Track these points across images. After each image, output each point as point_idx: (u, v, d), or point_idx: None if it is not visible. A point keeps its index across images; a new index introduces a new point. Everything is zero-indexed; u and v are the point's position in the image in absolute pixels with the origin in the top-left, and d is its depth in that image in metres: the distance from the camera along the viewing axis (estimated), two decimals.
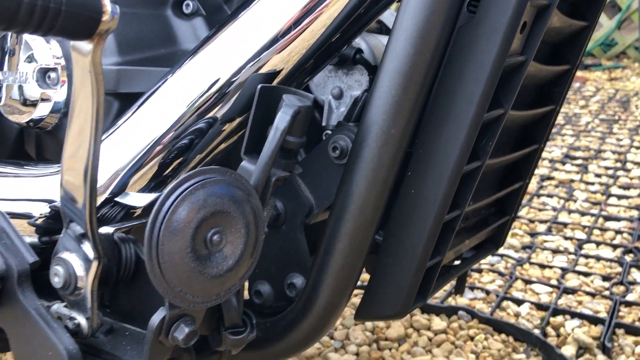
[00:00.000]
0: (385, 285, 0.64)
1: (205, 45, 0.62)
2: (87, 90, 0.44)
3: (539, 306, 1.41)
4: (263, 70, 0.60)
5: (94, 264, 0.52)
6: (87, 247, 0.53)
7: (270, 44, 0.60)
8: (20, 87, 0.68)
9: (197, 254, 0.48)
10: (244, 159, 0.56)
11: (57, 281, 0.53)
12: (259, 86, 0.55)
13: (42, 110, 0.67)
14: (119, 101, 0.68)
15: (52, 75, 0.67)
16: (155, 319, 0.51)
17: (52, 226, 0.63)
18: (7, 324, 0.54)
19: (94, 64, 0.42)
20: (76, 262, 0.53)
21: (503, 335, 1.32)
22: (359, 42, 0.78)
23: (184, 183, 0.47)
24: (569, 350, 1.25)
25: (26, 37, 0.68)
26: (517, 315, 1.39)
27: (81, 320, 0.54)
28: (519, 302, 1.44)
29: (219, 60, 0.61)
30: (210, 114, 0.61)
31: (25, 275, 0.53)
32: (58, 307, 0.55)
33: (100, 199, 0.61)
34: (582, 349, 1.26)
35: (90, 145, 0.47)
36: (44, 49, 0.67)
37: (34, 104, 0.68)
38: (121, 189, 0.61)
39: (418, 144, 0.61)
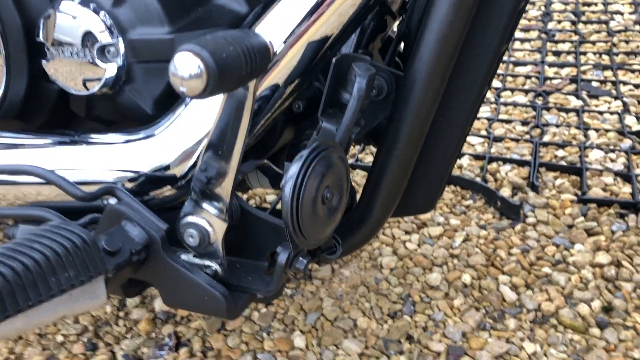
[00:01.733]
0: (419, 189, 0.82)
1: (265, 14, 0.69)
2: (241, 104, 0.53)
3: (477, 157, 1.67)
4: (317, 37, 0.69)
5: (224, 224, 0.65)
6: (210, 209, 0.65)
7: (319, 14, 0.69)
8: (80, 62, 0.72)
9: (319, 210, 0.62)
10: (322, 120, 0.68)
11: (192, 241, 0.66)
12: (334, 59, 0.65)
13: (106, 82, 0.73)
14: None
15: (112, 49, 0.71)
16: (282, 257, 0.65)
17: (144, 190, 0.73)
18: (156, 279, 0.66)
19: (253, 88, 0.51)
20: (205, 223, 0.65)
21: (452, 187, 1.57)
22: None
23: (309, 158, 0.59)
24: (506, 191, 1.52)
25: (76, 11, 0.71)
26: (460, 167, 1.64)
27: (215, 266, 0.67)
28: (459, 155, 1.68)
29: (277, 29, 0.69)
30: (274, 82, 0.70)
31: (164, 240, 0.65)
32: (188, 257, 0.68)
33: (188, 165, 0.71)
34: (516, 188, 1.54)
35: (239, 146, 0.57)
36: (98, 24, 0.71)
37: (95, 77, 0.73)
38: None
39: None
